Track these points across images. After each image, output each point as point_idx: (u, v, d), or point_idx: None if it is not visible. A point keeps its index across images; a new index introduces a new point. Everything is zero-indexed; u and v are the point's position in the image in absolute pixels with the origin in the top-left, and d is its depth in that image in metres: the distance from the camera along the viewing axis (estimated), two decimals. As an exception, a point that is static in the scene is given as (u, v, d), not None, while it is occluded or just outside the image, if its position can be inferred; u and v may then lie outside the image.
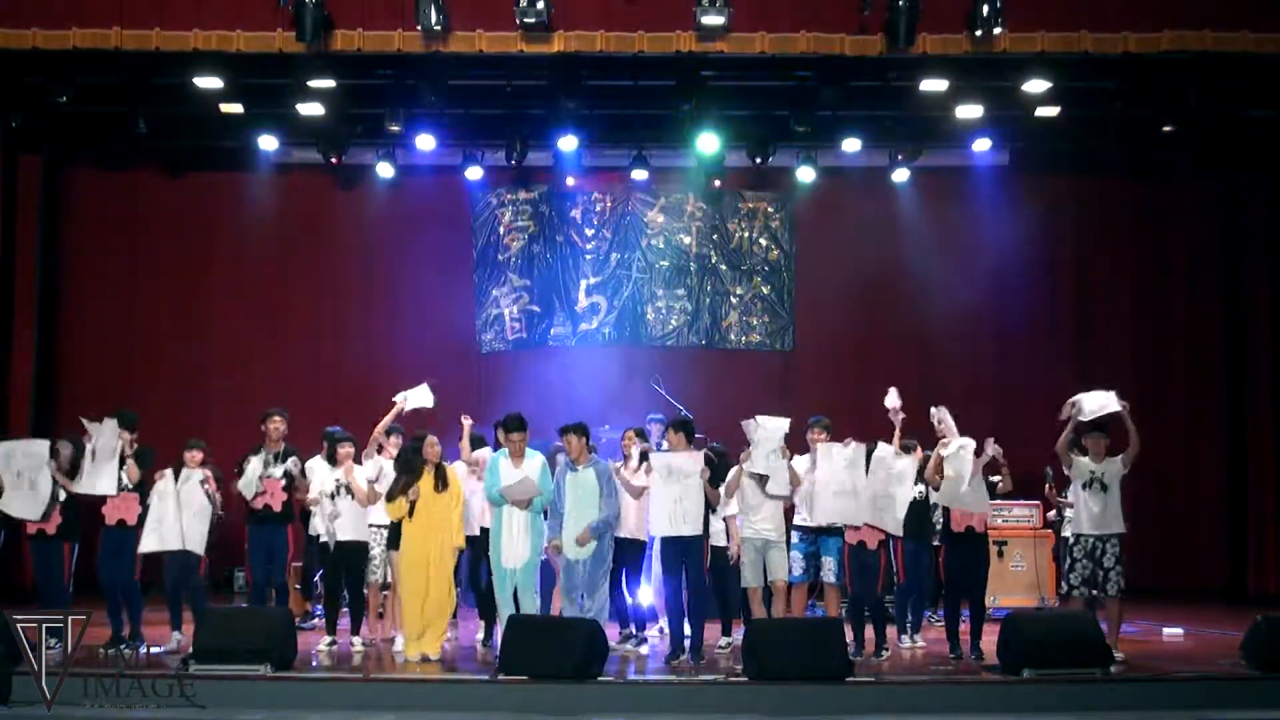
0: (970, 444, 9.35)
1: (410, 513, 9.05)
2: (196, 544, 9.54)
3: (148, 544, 9.42)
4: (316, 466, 9.80)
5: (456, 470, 9.52)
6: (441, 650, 9.21)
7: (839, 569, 9.61)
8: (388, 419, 9.82)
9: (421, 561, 9.06)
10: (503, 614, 9.04)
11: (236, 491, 9.76)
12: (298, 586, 11.26)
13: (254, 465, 9.67)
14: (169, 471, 9.53)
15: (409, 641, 9.16)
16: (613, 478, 9.20)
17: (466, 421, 10.00)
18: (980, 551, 9.45)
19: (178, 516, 9.42)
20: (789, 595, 9.57)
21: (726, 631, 9.85)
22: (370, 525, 9.80)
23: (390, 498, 9.13)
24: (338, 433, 9.95)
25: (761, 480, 9.11)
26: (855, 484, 9.19)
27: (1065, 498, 10.10)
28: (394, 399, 9.86)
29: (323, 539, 9.69)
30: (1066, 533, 10.19)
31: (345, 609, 9.78)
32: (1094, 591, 9.27)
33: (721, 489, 9.33)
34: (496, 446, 9.77)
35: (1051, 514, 11.87)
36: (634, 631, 9.80)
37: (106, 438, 9.38)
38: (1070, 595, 9.47)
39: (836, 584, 9.70)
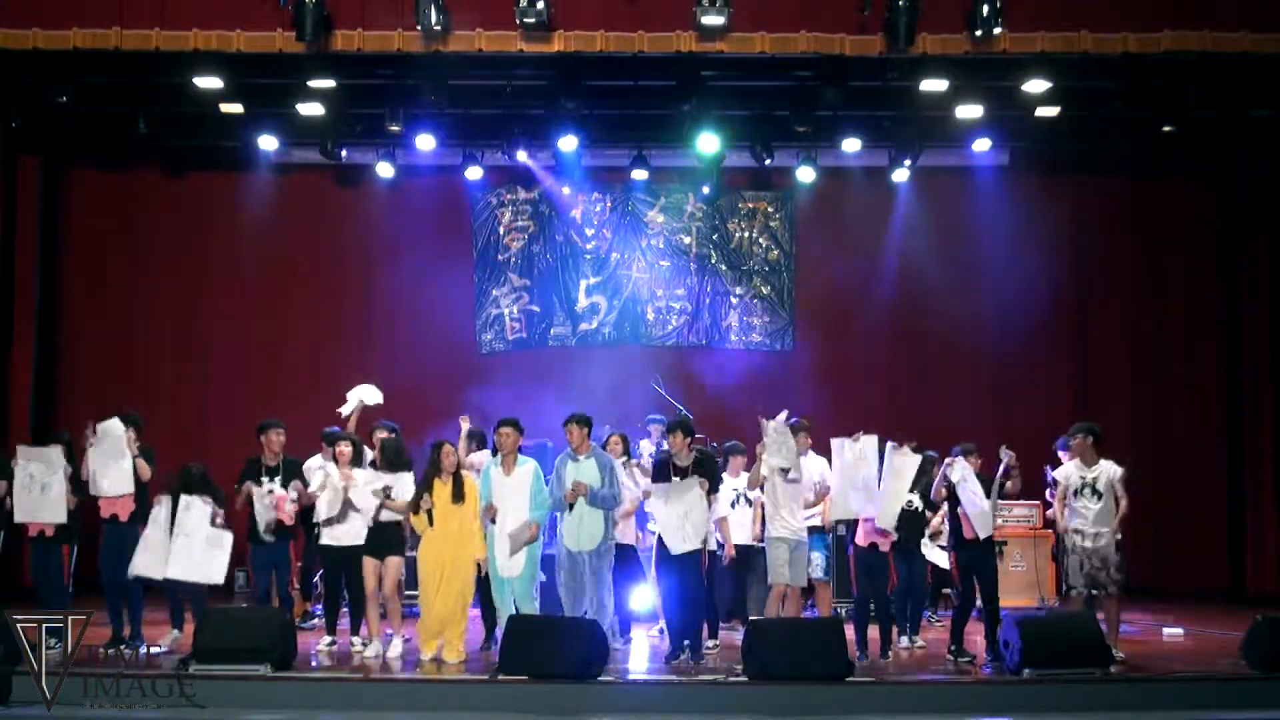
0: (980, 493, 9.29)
1: (430, 523, 9.04)
2: (215, 574, 9.25)
3: (136, 566, 9.20)
4: (318, 466, 9.79)
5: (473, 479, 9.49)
6: (463, 655, 9.12)
7: (826, 565, 9.62)
8: (353, 421, 9.89)
9: (435, 571, 9.06)
10: (503, 619, 9.03)
11: (239, 506, 9.64)
12: (297, 588, 11.23)
13: (259, 495, 9.46)
14: (165, 499, 9.33)
15: (425, 640, 9.16)
16: (615, 468, 9.20)
17: (465, 425, 9.98)
18: (989, 554, 9.45)
19: (166, 544, 9.18)
20: (814, 594, 9.55)
21: (714, 634, 9.84)
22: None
23: (414, 510, 9.13)
24: (338, 433, 9.95)
25: (784, 472, 9.12)
26: (866, 478, 9.17)
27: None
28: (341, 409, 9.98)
29: (325, 540, 9.67)
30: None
31: (345, 609, 9.80)
32: (1094, 591, 9.25)
33: (717, 495, 9.35)
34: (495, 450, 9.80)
35: (1051, 513, 11.79)
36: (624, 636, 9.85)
37: (114, 439, 9.35)
38: (1069, 594, 9.44)
39: (826, 580, 9.70)
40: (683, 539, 8.92)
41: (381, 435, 9.86)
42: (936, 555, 10.02)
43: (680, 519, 8.92)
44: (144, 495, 9.52)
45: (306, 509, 9.95)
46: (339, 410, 10.25)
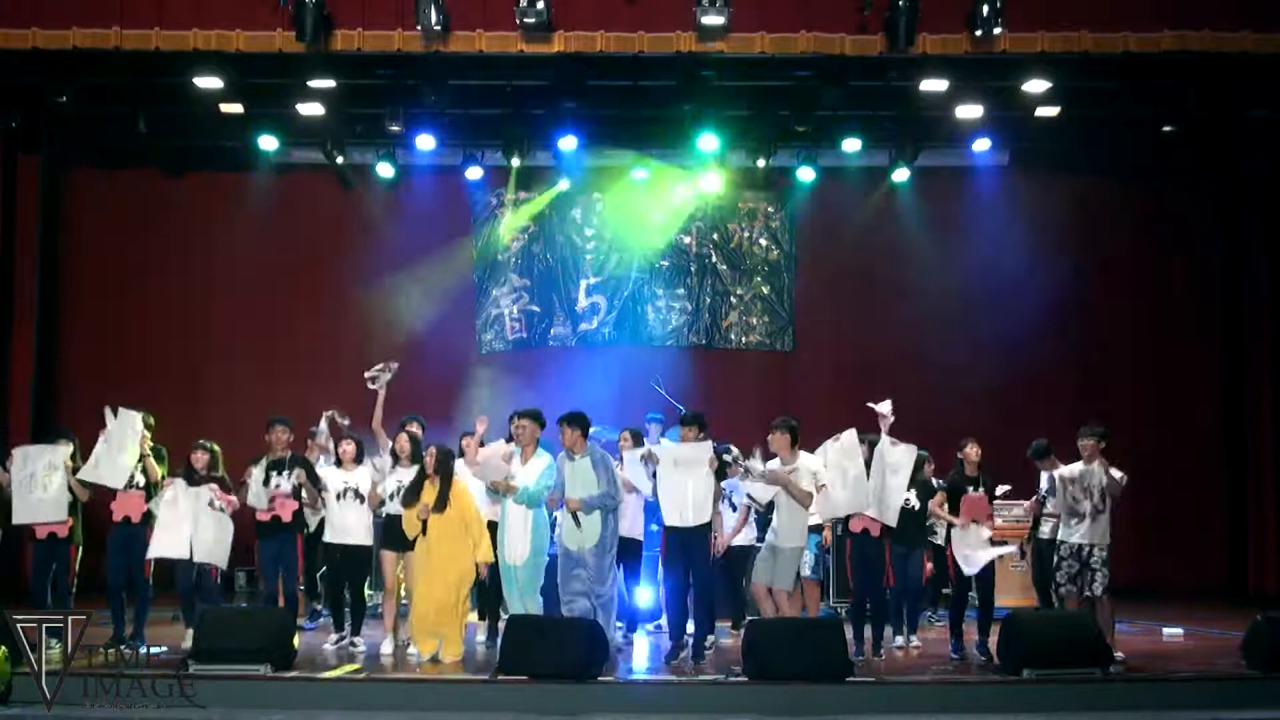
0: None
1: (424, 530, 9.04)
2: (217, 557, 9.36)
3: (154, 549, 9.26)
4: (323, 470, 9.78)
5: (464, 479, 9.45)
6: (459, 654, 9.11)
7: (816, 564, 9.58)
8: (379, 411, 9.84)
9: (427, 572, 9.05)
10: (509, 609, 9.03)
11: (242, 500, 9.64)
12: (302, 588, 11.21)
13: (256, 477, 9.51)
14: (179, 480, 9.38)
15: (421, 639, 9.17)
16: (610, 464, 9.05)
17: (480, 426, 9.87)
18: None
19: (182, 525, 9.21)
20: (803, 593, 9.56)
21: (713, 631, 9.80)
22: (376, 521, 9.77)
23: (405, 505, 9.13)
24: (324, 432, 9.92)
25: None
26: (853, 473, 9.04)
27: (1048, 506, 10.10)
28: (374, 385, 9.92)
29: (329, 538, 9.63)
30: (1045, 533, 10.21)
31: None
32: (1084, 592, 9.19)
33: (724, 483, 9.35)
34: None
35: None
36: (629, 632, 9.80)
37: (126, 429, 9.32)
38: (1058, 593, 9.37)
39: (815, 579, 9.66)
40: (678, 513, 8.81)
41: (414, 430, 9.84)
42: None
43: (681, 491, 8.81)
44: (154, 496, 9.50)
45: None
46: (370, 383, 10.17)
